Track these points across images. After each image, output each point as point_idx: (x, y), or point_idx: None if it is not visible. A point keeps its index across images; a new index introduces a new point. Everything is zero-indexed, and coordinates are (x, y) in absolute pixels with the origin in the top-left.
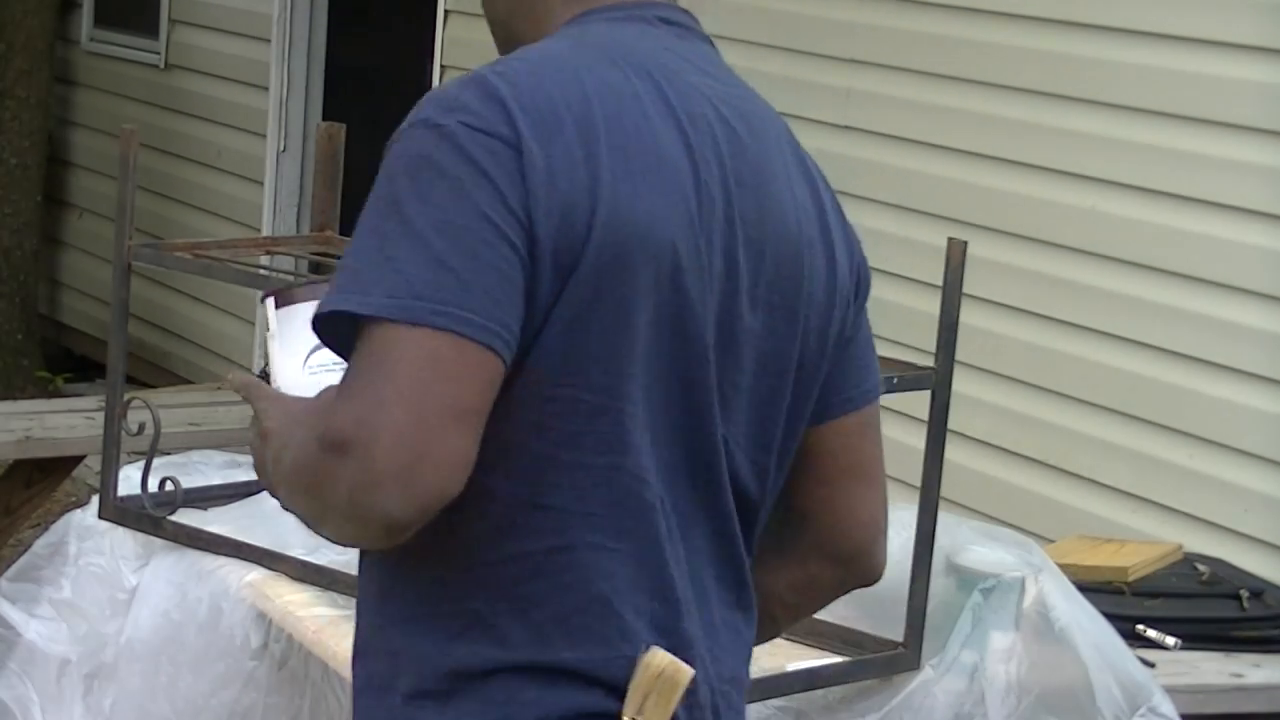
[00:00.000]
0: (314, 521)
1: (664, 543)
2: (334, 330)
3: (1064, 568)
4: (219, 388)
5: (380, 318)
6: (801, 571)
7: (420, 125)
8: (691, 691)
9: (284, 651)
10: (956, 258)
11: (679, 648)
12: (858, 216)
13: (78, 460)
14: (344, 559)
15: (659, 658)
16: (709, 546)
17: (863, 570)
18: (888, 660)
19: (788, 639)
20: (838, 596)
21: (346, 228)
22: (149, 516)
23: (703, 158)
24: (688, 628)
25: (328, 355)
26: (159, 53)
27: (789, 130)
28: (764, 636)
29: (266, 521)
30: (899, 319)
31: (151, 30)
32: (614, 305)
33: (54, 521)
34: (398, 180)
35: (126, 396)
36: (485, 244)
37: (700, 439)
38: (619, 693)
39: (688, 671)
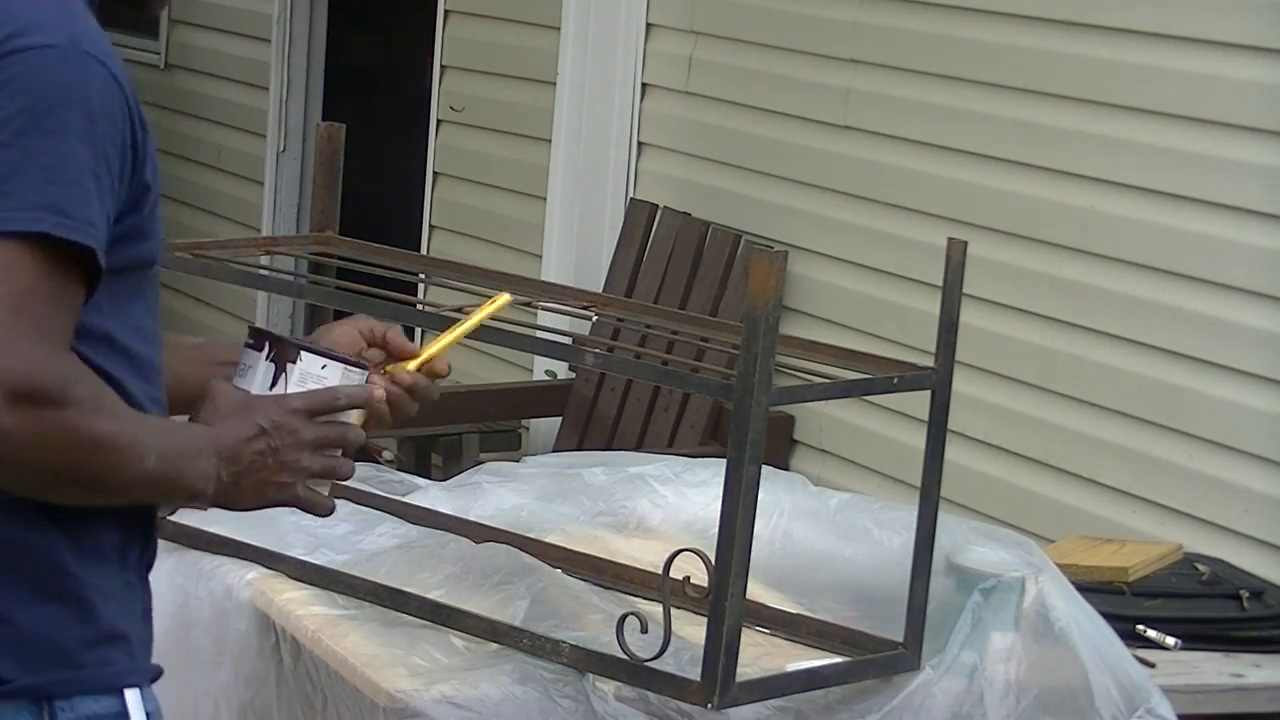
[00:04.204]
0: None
1: None
2: None
3: (1064, 568)
4: None
5: None
6: None
7: None
8: None
9: (292, 651)
10: (956, 258)
11: None
12: (858, 216)
13: None
14: (344, 559)
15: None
16: None
17: None
18: (888, 660)
19: (788, 639)
20: None
21: (347, 228)
22: None
23: None
24: None
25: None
26: (159, 53)
27: None
28: None
29: (266, 522)
30: (899, 319)
31: (151, 30)
32: None
33: None
34: None
35: None
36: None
37: None
38: None
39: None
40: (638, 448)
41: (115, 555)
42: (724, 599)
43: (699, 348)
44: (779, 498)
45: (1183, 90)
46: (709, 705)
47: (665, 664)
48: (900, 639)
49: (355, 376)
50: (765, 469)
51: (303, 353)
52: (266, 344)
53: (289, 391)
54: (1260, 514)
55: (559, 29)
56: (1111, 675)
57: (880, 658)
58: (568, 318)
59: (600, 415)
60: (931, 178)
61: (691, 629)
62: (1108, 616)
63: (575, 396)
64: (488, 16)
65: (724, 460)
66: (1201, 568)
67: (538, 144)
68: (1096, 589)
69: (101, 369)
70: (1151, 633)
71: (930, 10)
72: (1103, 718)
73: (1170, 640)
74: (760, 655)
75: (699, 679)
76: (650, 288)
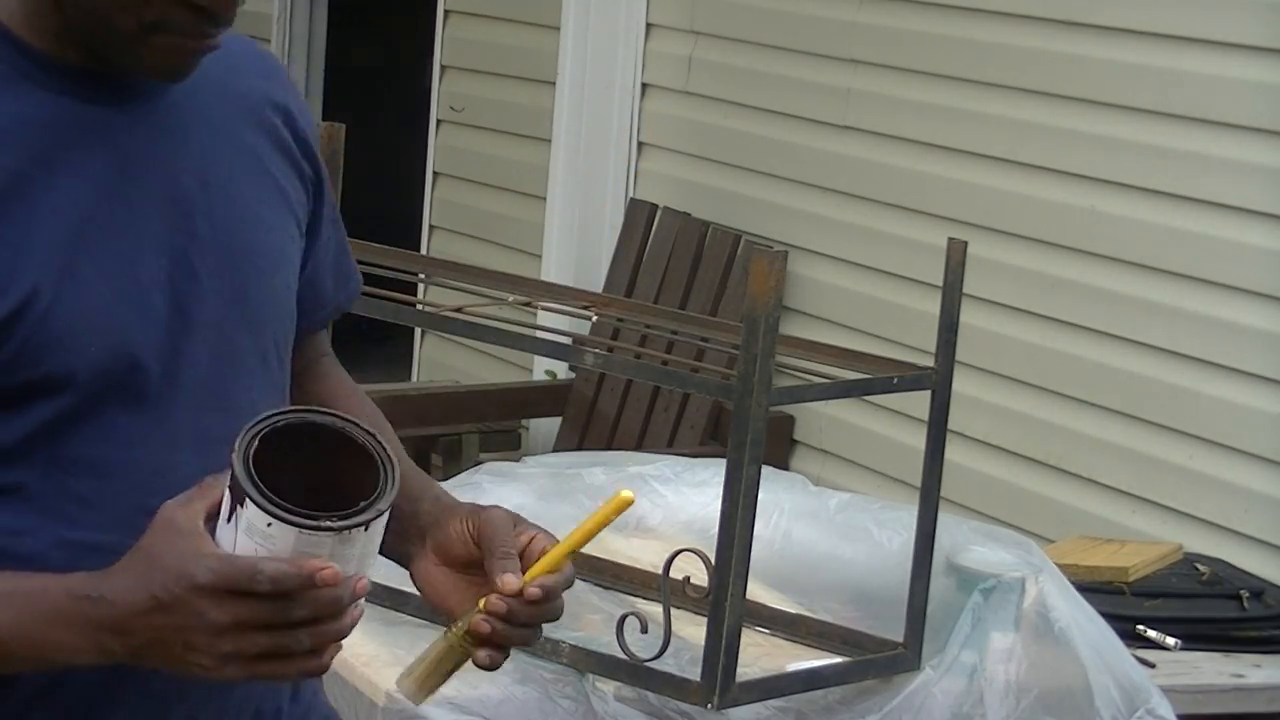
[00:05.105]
0: None
1: None
2: None
3: (1064, 568)
4: None
5: None
6: None
7: None
8: None
9: None
10: (956, 258)
11: None
12: (858, 216)
13: None
14: None
15: None
16: None
17: None
18: (888, 660)
19: (787, 639)
20: None
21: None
22: None
23: None
24: None
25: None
26: None
27: None
28: None
29: None
30: (899, 319)
31: None
32: None
33: None
34: None
35: None
36: None
37: None
38: None
39: None
40: (638, 448)
41: None
42: (724, 599)
43: (699, 348)
44: (779, 498)
45: (1183, 90)
46: (709, 705)
47: (665, 664)
48: (900, 639)
49: (315, 542)
50: (765, 469)
51: (249, 500)
52: (231, 467)
53: (236, 542)
54: (1260, 514)
55: (559, 29)
56: (1111, 675)
57: (880, 658)
58: (568, 318)
59: (600, 415)
60: (931, 178)
61: (691, 629)
62: (1108, 616)
63: (575, 396)
64: (488, 16)
65: (724, 460)
66: (1201, 568)
67: (538, 144)
68: (1096, 589)
69: None
70: (1151, 633)
71: (930, 10)
72: (1103, 718)
73: (1170, 640)
74: (760, 655)
75: (699, 679)
76: (650, 288)
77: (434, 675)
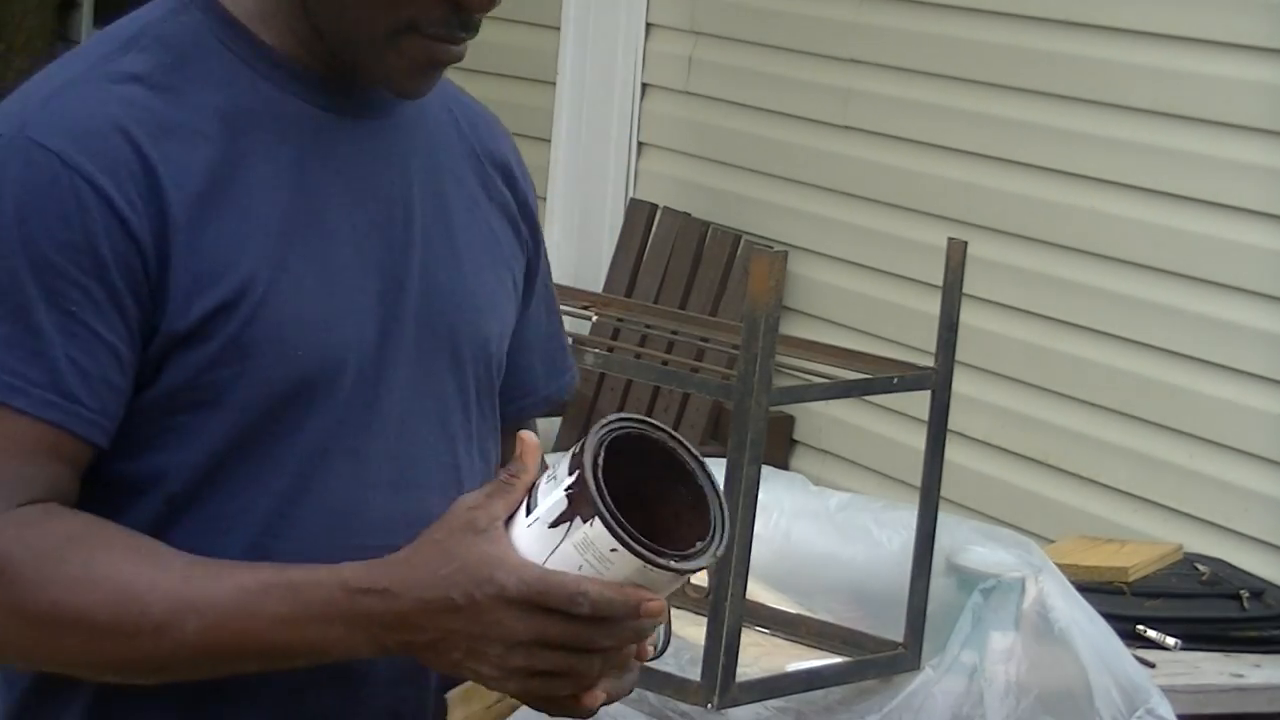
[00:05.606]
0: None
1: None
2: None
3: (1064, 568)
4: None
5: None
6: None
7: None
8: None
9: None
10: (956, 258)
11: None
12: (858, 216)
13: None
14: None
15: None
16: None
17: None
18: (888, 660)
19: (787, 639)
20: None
21: None
22: None
23: None
24: None
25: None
26: None
27: None
28: None
29: None
30: (899, 319)
31: None
32: None
33: None
34: None
35: None
36: None
37: None
38: None
39: None
40: None
41: None
42: (724, 599)
43: (699, 348)
44: (779, 498)
45: (1183, 90)
46: (709, 705)
47: (665, 664)
48: (900, 639)
49: (656, 578)
50: (765, 469)
51: (597, 518)
52: (576, 473)
53: (557, 551)
54: (1260, 514)
55: (559, 29)
56: (1111, 675)
57: (880, 658)
58: (568, 317)
59: (600, 415)
60: (931, 178)
61: (691, 629)
62: (1108, 616)
63: (575, 396)
64: (487, 16)
65: (724, 460)
66: (1201, 568)
67: (538, 144)
68: (1096, 589)
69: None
70: (1151, 633)
71: (930, 10)
72: (1103, 718)
73: (1170, 640)
74: (760, 655)
75: (699, 679)
76: (650, 288)
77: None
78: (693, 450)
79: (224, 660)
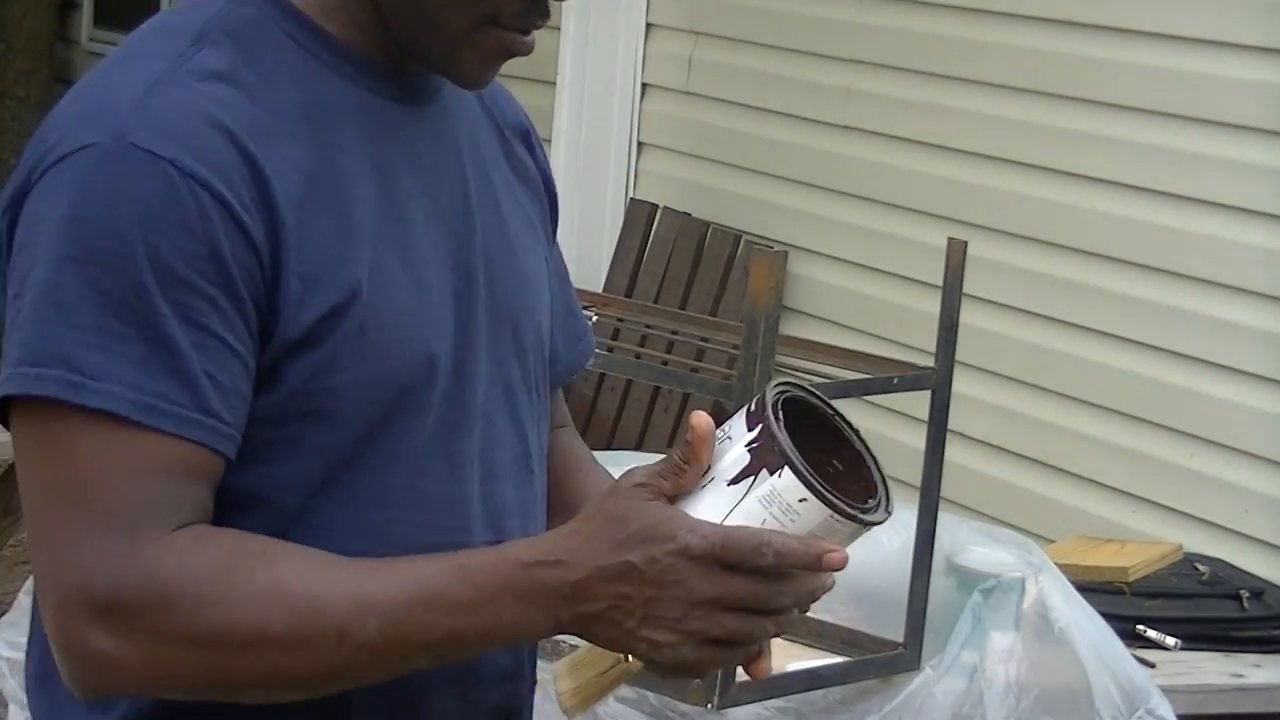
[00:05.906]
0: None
1: None
2: None
3: (1064, 568)
4: None
5: None
6: None
7: None
8: None
9: None
10: (956, 258)
11: None
12: (858, 216)
13: None
14: None
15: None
16: None
17: None
18: (888, 660)
19: (788, 639)
20: None
21: None
22: None
23: None
24: None
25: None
26: None
27: None
28: None
29: None
30: (899, 319)
31: None
32: None
33: None
34: None
35: None
36: None
37: None
38: None
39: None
40: (638, 448)
41: None
42: None
43: (699, 348)
44: None
45: (1183, 90)
46: (709, 705)
47: None
48: (900, 639)
49: (839, 530)
50: None
51: (787, 468)
52: (758, 428)
53: (738, 507)
54: (1260, 514)
55: (559, 29)
56: (1111, 675)
57: (880, 658)
58: None
59: (600, 415)
60: (931, 178)
61: None
62: (1108, 616)
63: (575, 396)
64: None
65: None
66: (1201, 568)
67: None
68: (1096, 589)
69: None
70: (1151, 633)
71: (930, 10)
72: (1103, 718)
73: (1170, 640)
74: None
75: (699, 679)
76: (650, 288)
77: (599, 691)
78: (845, 417)
79: (399, 659)
